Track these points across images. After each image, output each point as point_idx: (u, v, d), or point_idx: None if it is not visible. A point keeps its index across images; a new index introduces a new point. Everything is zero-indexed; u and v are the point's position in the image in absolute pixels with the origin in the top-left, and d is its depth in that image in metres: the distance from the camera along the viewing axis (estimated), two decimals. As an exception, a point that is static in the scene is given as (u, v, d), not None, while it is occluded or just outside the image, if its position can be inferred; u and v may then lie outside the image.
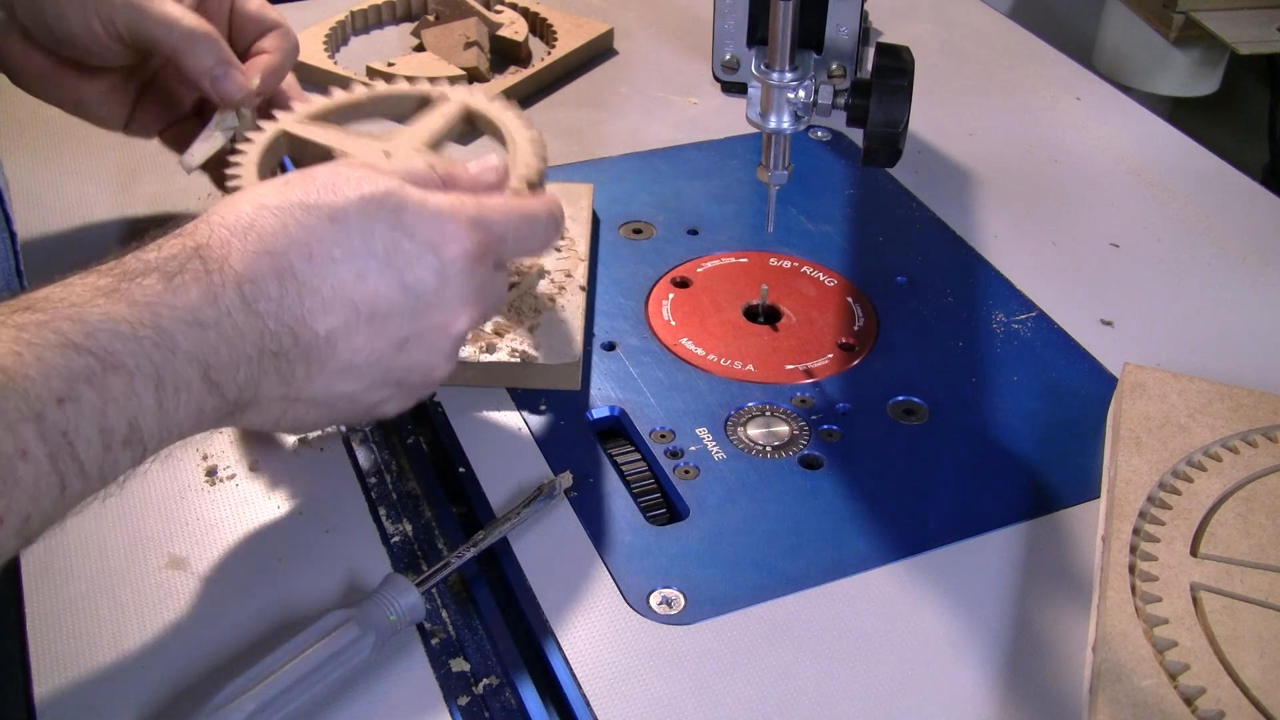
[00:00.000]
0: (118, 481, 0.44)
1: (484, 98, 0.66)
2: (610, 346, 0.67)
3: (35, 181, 0.78)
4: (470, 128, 0.66)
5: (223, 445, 0.60)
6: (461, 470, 0.59)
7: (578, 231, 0.73)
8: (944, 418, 0.64)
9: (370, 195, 0.49)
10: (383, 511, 0.58)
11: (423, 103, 0.66)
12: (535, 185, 0.61)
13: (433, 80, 0.69)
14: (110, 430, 0.41)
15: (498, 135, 0.65)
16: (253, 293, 0.46)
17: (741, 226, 0.78)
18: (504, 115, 0.65)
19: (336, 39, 0.96)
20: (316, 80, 0.88)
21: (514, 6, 0.99)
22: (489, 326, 0.65)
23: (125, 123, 0.68)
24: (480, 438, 0.61)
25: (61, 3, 0.60)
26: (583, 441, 0.61)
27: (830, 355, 0.67)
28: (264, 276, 0.46)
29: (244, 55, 0.65)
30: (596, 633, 0.52)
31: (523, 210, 0.54)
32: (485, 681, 0.50)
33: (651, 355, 0.67)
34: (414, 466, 0.60)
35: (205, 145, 0.64)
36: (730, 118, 0.90)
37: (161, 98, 0.69)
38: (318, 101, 0.65)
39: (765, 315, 0.70)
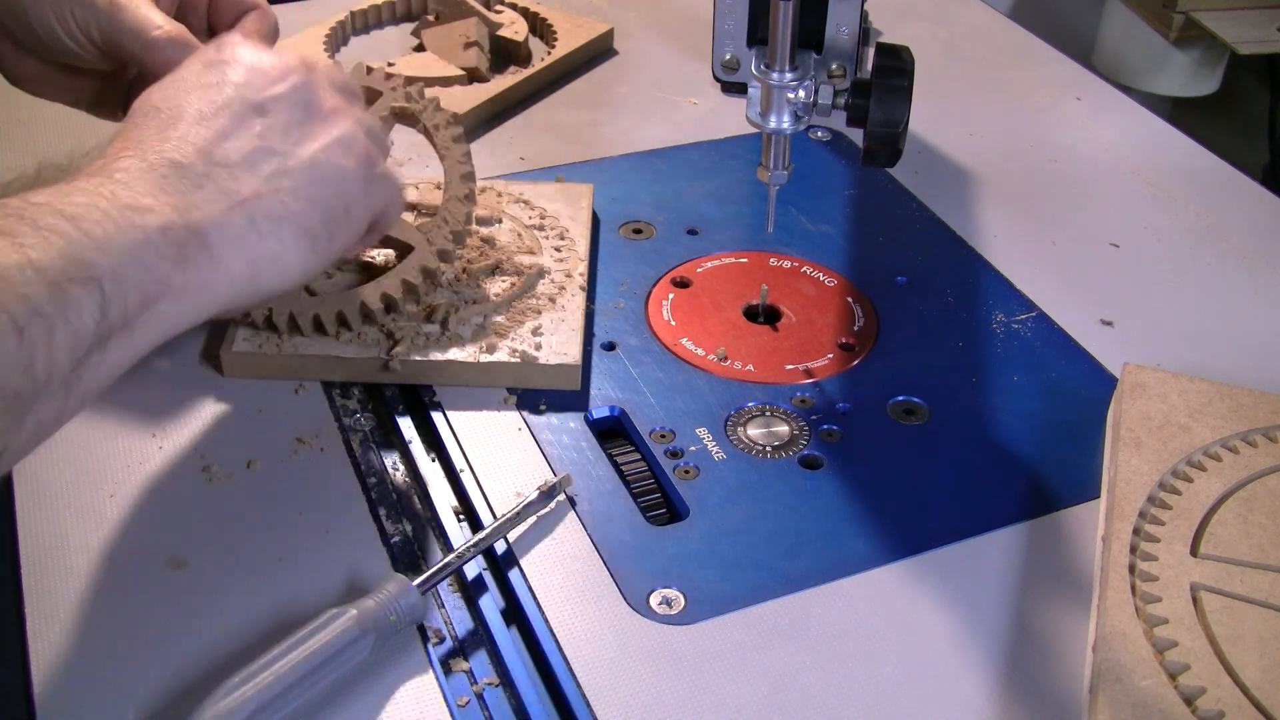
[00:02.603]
0: (93, 329, 0.43)
1: (433, 113, 0.69)
2: (610, 346, 0.67)
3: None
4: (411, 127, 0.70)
5: (223, 445, 0.60)
6: (461, 470, 0.59)
7: (578, 231, 0.73)
8: (944, 418, 0.64)
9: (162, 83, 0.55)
10: (383, 511, 0.58)
11: (375, 97, 0.69)
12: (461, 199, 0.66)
13: (411, 81, 0.70)
14: (43, 267, 0.41)
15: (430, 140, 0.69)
16: (117, 147, 0.50)
17: (741, 226, 0.78)
18: (449, 151, 0.69)
19: (336, 39, 0.96)
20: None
21: (514, 6, 0.99)
22: (490, 326, 0.65)
23: (124, 109, 0.68)
24: (480, 438, 0.61)
25: (41, 12, 0.60)
26: (583, 441, 0.61)
27: (830, 355, 0.67)
28: (120, 139, 0.51)
29: None
30: (596, 633, 0.52)
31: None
32: (485, 681, 0.50)
33: (651, 355, 0.67)
34: (414, 466, 0.60)
35: None
36: (730, 118, 0.90)
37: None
38: None
39: (765, 315, 0.70)
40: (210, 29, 0.65)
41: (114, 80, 0.67)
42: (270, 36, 0.67)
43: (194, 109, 0.52)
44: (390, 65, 0.90)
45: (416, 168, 0.81)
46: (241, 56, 0.56)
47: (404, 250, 0.66)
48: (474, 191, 0.68)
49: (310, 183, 0.53)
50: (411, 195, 0.72)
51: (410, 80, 0.70)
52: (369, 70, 0.69)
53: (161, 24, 0.60)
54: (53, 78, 0.65)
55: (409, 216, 0.71)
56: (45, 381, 0.42)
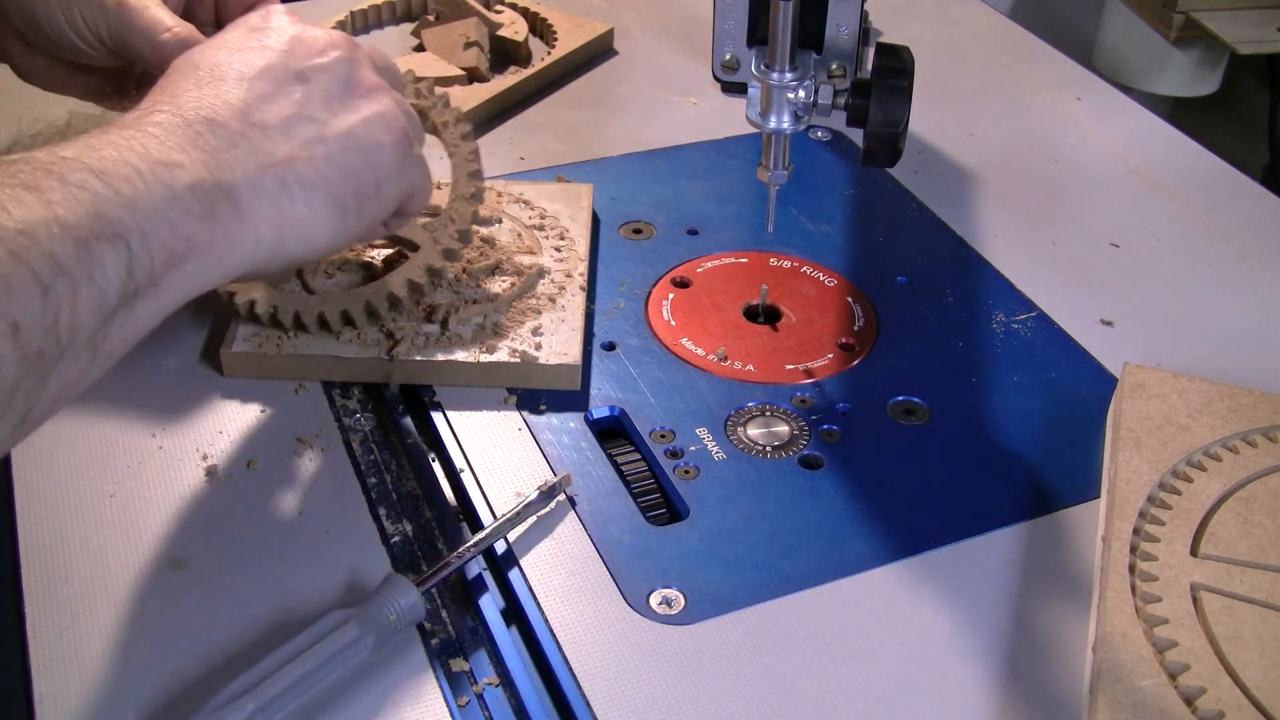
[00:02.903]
0: (119, 288, 0.42)
1: (442, 110, 0.69)
2: (610, 346, 0.67)
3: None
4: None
5: (223, 445, 0.60)
6: (461, 470, 0.59)
7: (578, 231, 0.73)
8: (944, 418, 0.64)
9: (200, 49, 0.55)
10: (383, 511, 0.58)
11: None
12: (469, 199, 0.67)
13: (419, 80, 0.70)
14: (70, 224, 0.41)
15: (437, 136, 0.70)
16: (154, 101, 0.50)
17: (741, 226, 0.78)
18: (457, 149, 0.69)
19: (336, 39, 0.96)
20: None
21: (514, 6, 0.99)
22: (490, 326, 0.65)
23: (135, 99, 0.68)
24: (480, 438, 0.61)
25: (49, 12, 0.60)
26: (583, 441, 0.61)
27: (830, 355, 0.67)
28: (158, 93, 0.51)
29: None
30: (596, 633, 0.52)
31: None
32: (485, 681, 0.50)
33: (651, 355, 0.67)
34: (414, 466, 0.60)
35: None
36: (730, 118, 0.90)
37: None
38: None
39: (765, 315, 0.70)
40: (219, 21, 0.65)
41: (124, 74, 0.67)
42: None
43: (235, 70, 0.52)
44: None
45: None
46: (286, 25, 0.56)
47: (409, 248, 0.66)
48: (481, 191, 0.68)
49: (345, 152, 0.53)
50: None
51: (419, 78, 0.70)
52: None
53: (171, 25, 0.60)
54: (62, 74, 0.65)
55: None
56: (69, 341, 0.41)
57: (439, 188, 0.74)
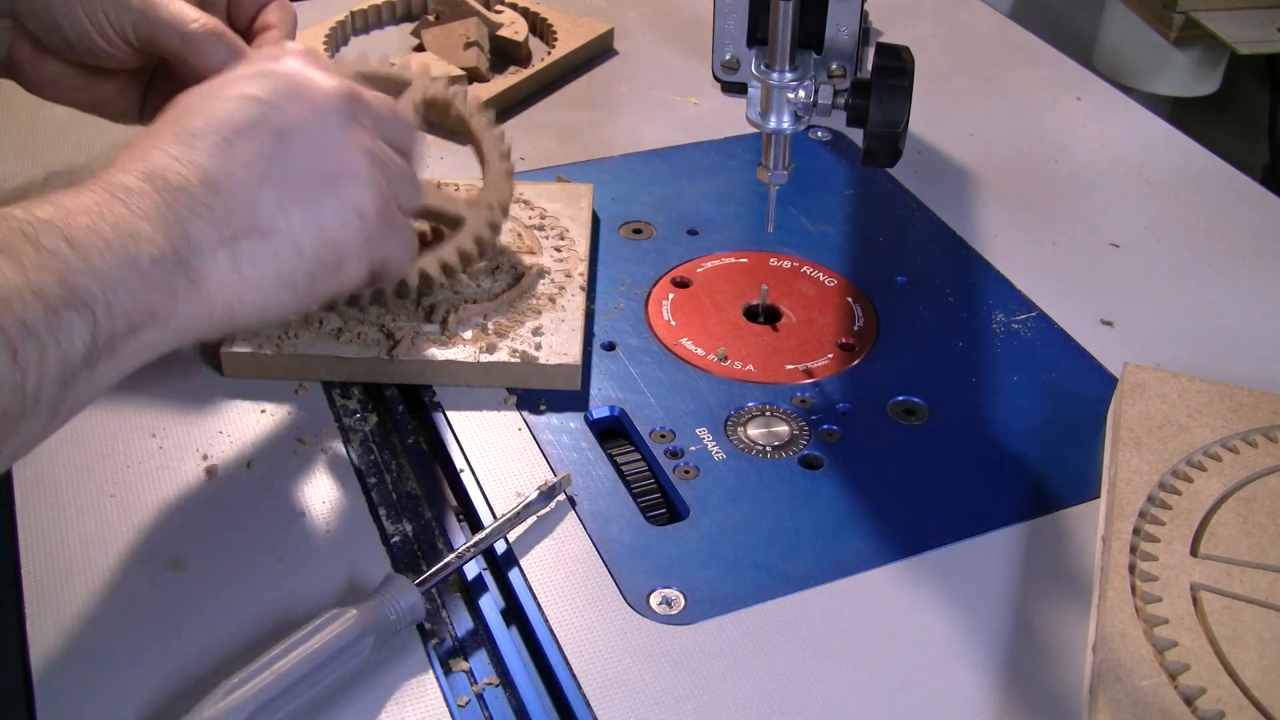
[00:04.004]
0: (83, 353, 0.44)
1: (464, 100, 0.69)
2: (610, 346, 0.67)
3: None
4: (437, 117, 0.70)
5: (223, 445, 0.60)
6: (461, 470, 0.59)
7: (578, 231, 0.73)
8: (944, 418, 0.64)
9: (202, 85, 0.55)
10: (383, 511, 0.58)
11: (403, 87, 0.69)
12: (495, 220, 0.67)
13: (437, 79, 0.70)
14: (41, 291, 0.42)
15: (473, 145, 0.70)
16: (123, 164, 0.49)
17: (741, 226, 0.78)
18: (485, 134, 0.69)
19: (336, 39, 0.96)
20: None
21: (514, 6, 0.99)
22: (490, 326, 0.65)
23: (140, 113, 0.68)
24: (480, 438, 0.61)
25: (71, 11, 0.60)
26: (583, 441, 0.61)
27: (830, 355, 0.67)
28: (125, 156, 0.49)
29: (247, 29, 0.65)
30: (596, 633, 0.52)
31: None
32: (485, 681, 0.50)
33: (651, 355, 0.67)
34: (414, 466, 0.60)
35: None
36: (730, 118, 0.90)
37: (173, 83, 0.69)
38: None
39: (765, 315, 0.70)
40: (230, 20, 0.65)
41: (134, 82, 0.66)
42: (292, 29, 0.66)
43: (217, 126, 0.51)
44: (391, 65, 0.90)
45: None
46: (292, 71, 0.55)
47: (450, 223, 0.66)
48: (513, 170, 0.69)
49: (306, 230, 0.52)
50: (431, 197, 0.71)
51: (435, 77, 0.70)
52: (393, 63, 0.70)
53: (197, 17, 0.60)
54: (73, 80, 0.65)
55: (455, 190, 0.74)
56: (34, 403, 0.42)
57: (455, 187, 0.74)
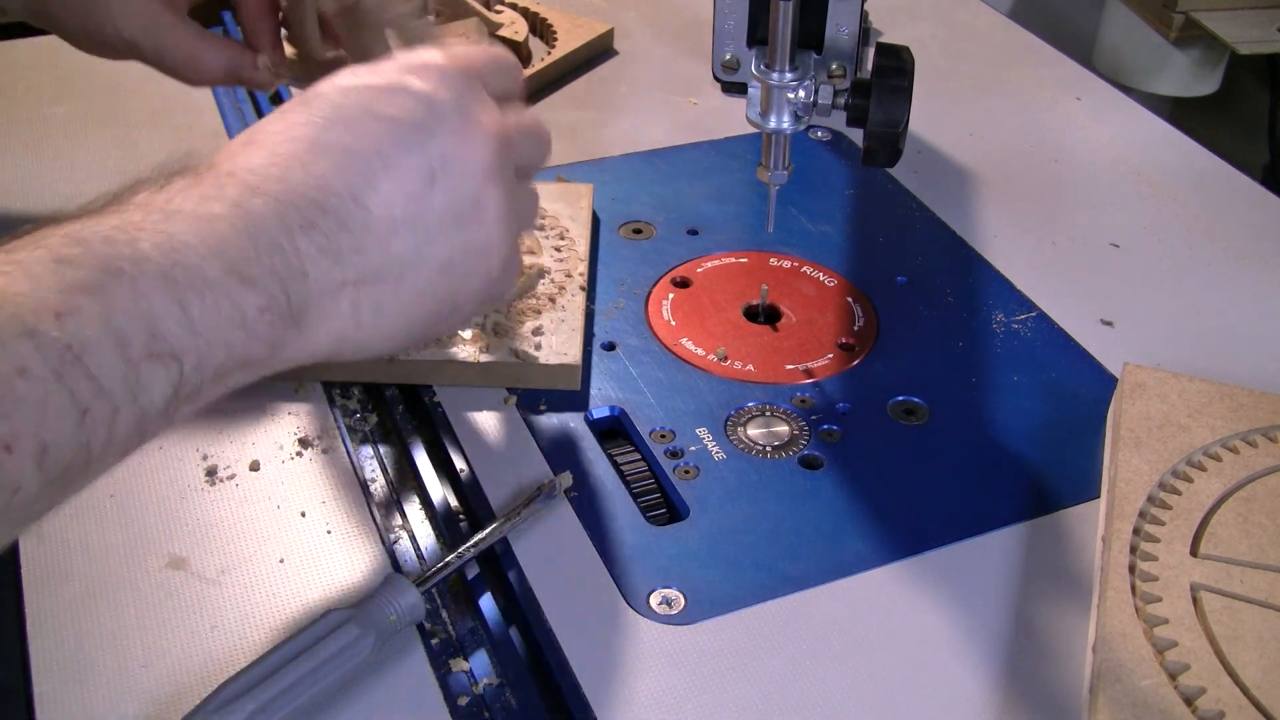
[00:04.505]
0: (161, 407, 0.38)
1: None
2: (610, 346, 0.67)
3: (33, 181, 0.78)
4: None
5: (223, 445, 0.60)
6: (461, 470, 0.59)
7: (578, 231, 0.73)
8: (944, 418, 0.64)
9: (342, 81, 0.48)
10: (382, 511, 0.58)
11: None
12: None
13: None
14: (125, 342, 0.37)
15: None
16: (256, 180, 0.43)
17: (741, 226, 0.78)
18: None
19: (336, 39, 0.96)
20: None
21: (514, 6, 0.99)
22: (490, 326, 0.65)
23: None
24: (480, 438, 0.61)
25: (94, 14, 0.60)
26: (583, 441, 0.61)
27: (830, 355, 0.67)
28: (264, 166, 0.44)
29: None
30: (596, 633, 0.52)
31: (490, 55, 0.53)
32: (485, 681, 0.50)
33: (651, 355, 0.67)
34: (414, 466, 0.60)
35: None
36: (730, 118, 0.90)
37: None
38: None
39: (765, 315, 0.70)
40: (237, 21, 0.65)
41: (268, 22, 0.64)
42: None
43: (360, 141, 0.46)
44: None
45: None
46: (453, 92, 0.49)
47: None
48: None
49: (432, 279, 0.48)
50: None
51: None
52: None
53: (197, 44, 0.61)
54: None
55: None
56: (100, 457, 0.37)
57: None
